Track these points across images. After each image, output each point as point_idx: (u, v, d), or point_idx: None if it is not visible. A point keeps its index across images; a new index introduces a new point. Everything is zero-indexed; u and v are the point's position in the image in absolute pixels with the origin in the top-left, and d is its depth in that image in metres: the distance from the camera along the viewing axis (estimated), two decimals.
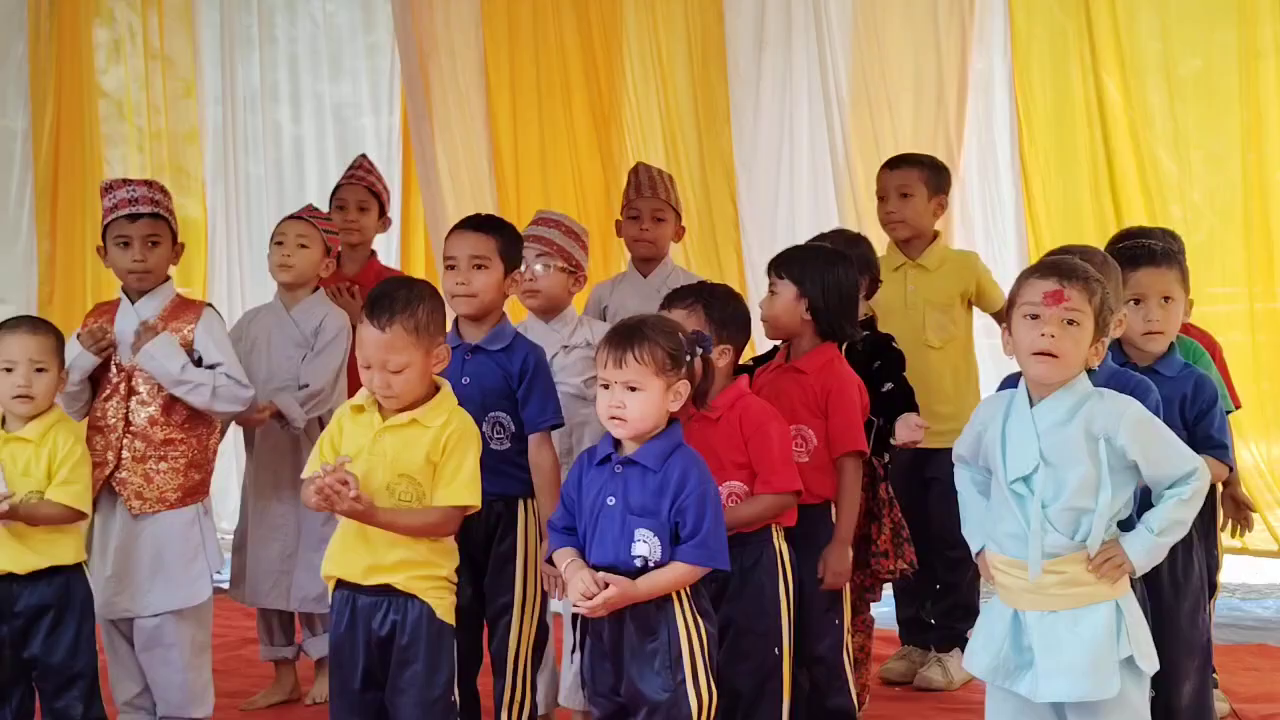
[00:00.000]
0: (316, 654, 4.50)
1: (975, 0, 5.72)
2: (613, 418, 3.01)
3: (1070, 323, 2.84)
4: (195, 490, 4.00)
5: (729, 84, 6.06)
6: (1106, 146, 5.58)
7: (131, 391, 3.93)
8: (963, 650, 4.38)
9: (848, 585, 3.67)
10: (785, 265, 3.71)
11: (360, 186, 4.97)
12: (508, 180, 6.34)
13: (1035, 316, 2.85)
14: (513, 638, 3.57)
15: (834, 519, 3.64)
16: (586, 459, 3.14)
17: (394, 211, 6.65)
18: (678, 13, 6.15)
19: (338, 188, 5.02)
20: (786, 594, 3.43)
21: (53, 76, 6.60)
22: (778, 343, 3.82)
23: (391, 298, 3.15)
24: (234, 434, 4.62)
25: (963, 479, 3.10)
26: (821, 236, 4.29)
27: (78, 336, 3.97)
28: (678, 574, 2.99)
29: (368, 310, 3.16)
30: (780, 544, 3.45)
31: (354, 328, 3.82)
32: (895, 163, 4.73)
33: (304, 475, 3.22)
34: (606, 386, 3.02)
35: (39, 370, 3.61)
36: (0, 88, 6.55)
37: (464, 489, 3.15)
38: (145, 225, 3.97)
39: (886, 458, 3.98)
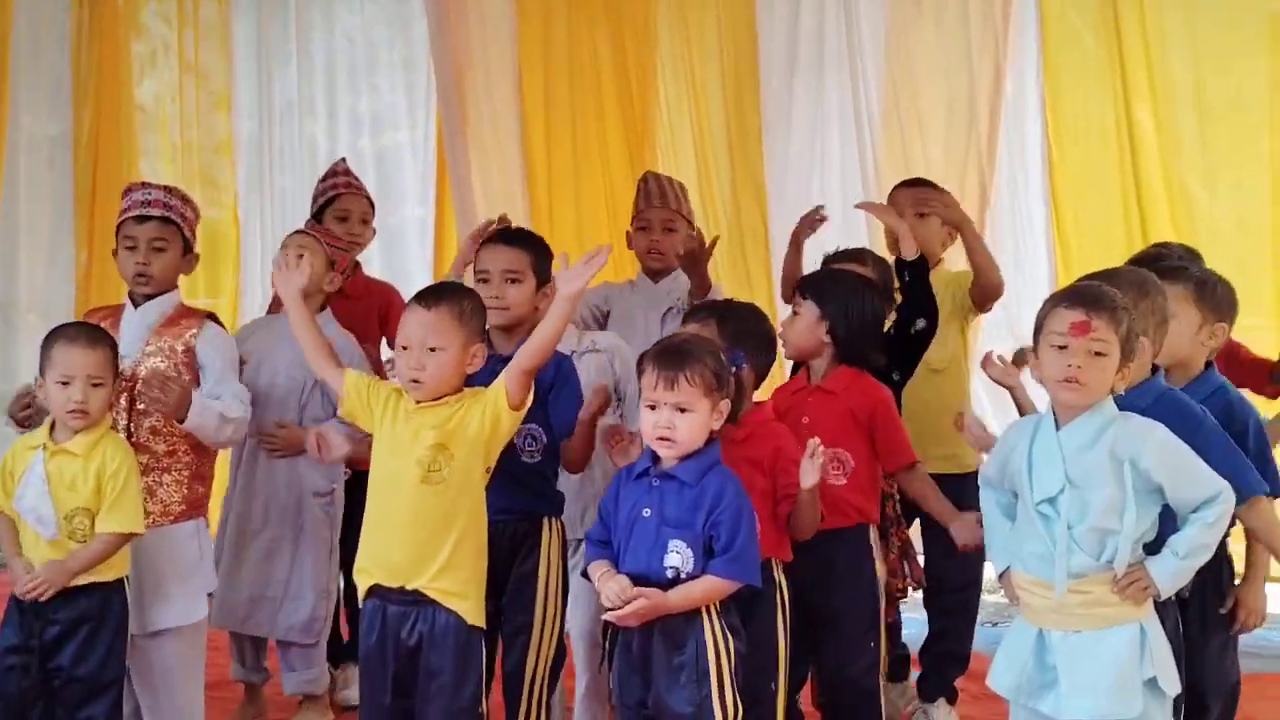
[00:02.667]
0: (292, 690, 4.40)
1: (1009, 26, 5.76)
2: (661, 439, 3.02)
3: (1097, 354, 2.86)
4: (199, 503, 3.89)
5: (761, 104, 6.11)
6: (1136, 173, 5.60)
7: (133, 402, 3.78)
8: (950, 702, 4.39)
9: (884, 612, 3.64)
10: (810, 287, 3.72)
11: (361, 197, 4.78)
12: (540, 196, 6.38)
13: (1063, 347, 2.88)
14: (530, 658, 3.52)
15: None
16: (625, 474, 3.16)
17: (429, 224, 6.79)
18: (711, 33, 6.20)
19: (337, 197, 4.75)
20: (785, 627, 3.37)
21: (91, 87, 6.66)
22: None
23: (440, 288, 3.37)
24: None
25: (988, 501, 3.13)
26: (844, 254, 4.19)
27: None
28: (709, 587, 3.00)
29: (414, 298, 3.31)
30: (779, 578, 3.38)
31: None
32: (914, 182, 4.66)
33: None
34: (653, 407, 3.02)
35: (95, 385, 3.51)
36: (40, 94, 6.59)
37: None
38: (153, 228, 3.85)
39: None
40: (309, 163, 7.02)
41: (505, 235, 3.81)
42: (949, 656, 4.41)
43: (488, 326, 3.56)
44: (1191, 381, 3.35)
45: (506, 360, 3.51)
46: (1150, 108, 5.61)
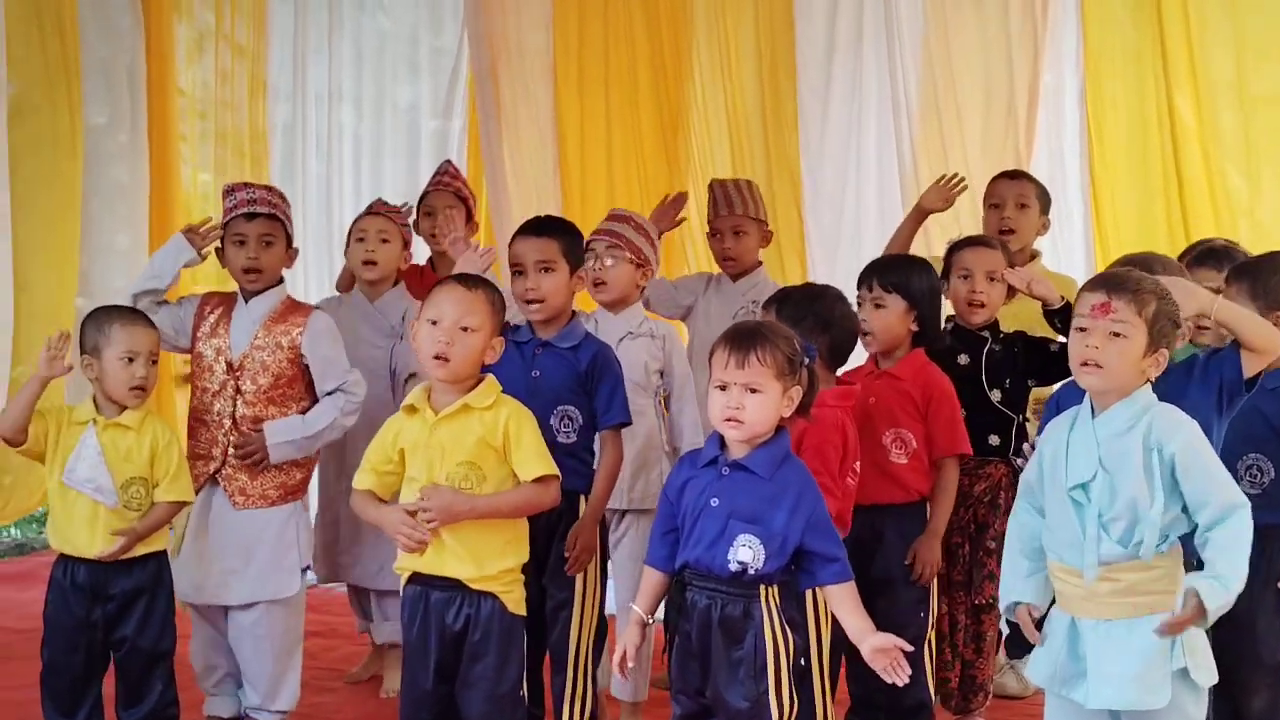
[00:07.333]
0: (385, 639, 4.56)
1: (1048, 13, 5.71)
2: (729, 419, 2.97)
3: (1116, 335, 2.83)
4: (296, 489, 4.09)
5: (797, 90, 6.08)
6: (1177, 163, 5.53)
7: (239, 391, 3.99)
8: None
9: (936, 580, 3.83)
10: (891, 277, 3.81)
11: (448, 192, 5.02)
12: (573, 183, 6.37)
13: (1083, 329, 2.87)
14: (573, 633, 3.62)
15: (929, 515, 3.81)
16: (689, 461, 3.13)
17: None
18: (748, 17, 6.17)
19: (425, 194, 5.07)
20: (816, 608, 3.39)
21: (141, 74, 6.60)
22: None
23: (477, 276, 3.43)
24: None
25: (1017, 518, 3.07)
26: (969, 241, 4.27)
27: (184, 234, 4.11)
28: (855, 596, 2.99)
29: (453, 277, 3.37)
30: None
31: None
32: (1014, 174, 4.83)
33: (355, 485, 3.33)
34: (723, 388, 2.98)
35: (154, 363, 3.73)
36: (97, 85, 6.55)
37: (543, 460, 3.23)
38: (261, 224, 4.05)
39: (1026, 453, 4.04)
40: (337, 149, 7.08)
41: (534, 225, 3.87)
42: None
43: (528, 320, 3.71)
44: None
45: (545, 344, 3.69)
46: (1192, 98, 5.54)
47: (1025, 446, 3.79)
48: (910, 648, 2.92)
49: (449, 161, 5.27)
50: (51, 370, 3.68)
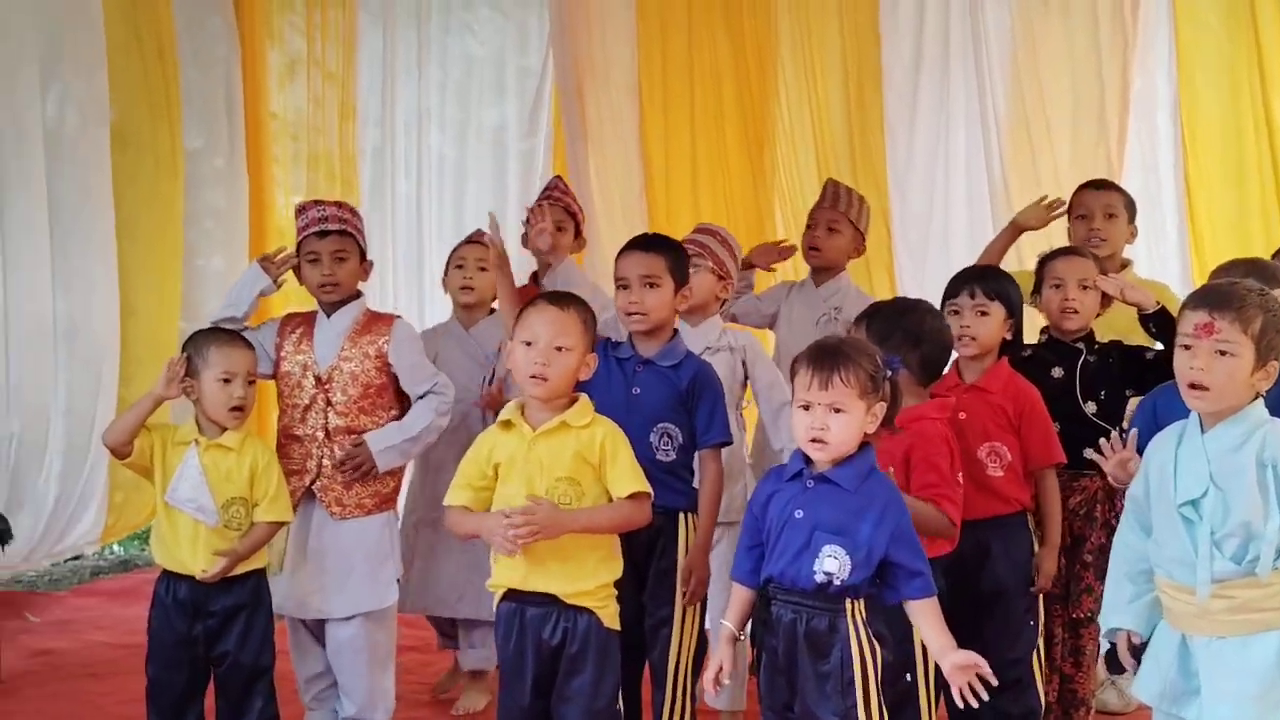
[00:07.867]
0: (469, 665, 4.60)
1: (1139, 21, 5.65)
2: (814, 440, 2.96)
3: (1222, 353, 2.79)
4: (389, 498, 4.12)
5: (884, 103, 6.08)
6: (1275, 171, 5.45)
7: (329, 403, 4.03)
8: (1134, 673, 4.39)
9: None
10: (994, 285, 3.80)
11: (558, 207, 4.97)
12: (659, 200, 6.41)
13: (1188, 347, 2.82)
14: (673, 649, 3.61)
15: (1039, 527, 3.78)
16: (775, 475, 3.12)
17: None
18: (832, 31, 6.19)
19: (532, 210, 5.05)
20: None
21: (238, 100, 6.73)
22: None
23: (568, 294, 3.41)
24: None
25: (1122, 536, 3.03)
26: (1059, 251, 4.20)
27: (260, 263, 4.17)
28: (938, 612, 2.97)
29: (543, 296, 3.37)
30: None
31: None
32: (1100, 184, 4.73)
33: (449, 502, 3.31)
34: (806, 408, 2.97)
35: (251, 383, 3.78)
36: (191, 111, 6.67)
37: (637, 478, 3.23)
38: (333, 241, 4.08)
39: None
40: (427, 171, 7.14)
41: (641, 241, 3.88)
42: None
43: (629, 336, 3.74)
44: None
45: (646, 362, 3.71)
46: None
47: (1114, 437, 3.62)
48: (990, 675, 2.86)
49: (559, 177, 5.26)
50: (168, 392, 3.76)
